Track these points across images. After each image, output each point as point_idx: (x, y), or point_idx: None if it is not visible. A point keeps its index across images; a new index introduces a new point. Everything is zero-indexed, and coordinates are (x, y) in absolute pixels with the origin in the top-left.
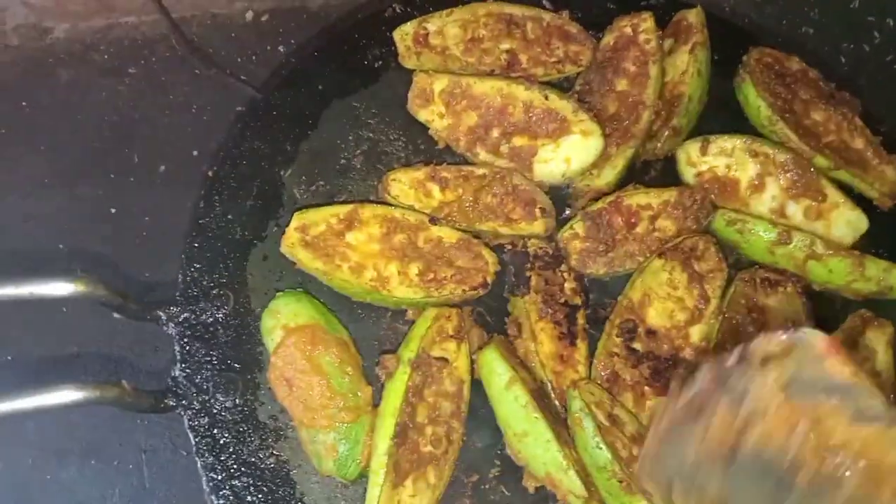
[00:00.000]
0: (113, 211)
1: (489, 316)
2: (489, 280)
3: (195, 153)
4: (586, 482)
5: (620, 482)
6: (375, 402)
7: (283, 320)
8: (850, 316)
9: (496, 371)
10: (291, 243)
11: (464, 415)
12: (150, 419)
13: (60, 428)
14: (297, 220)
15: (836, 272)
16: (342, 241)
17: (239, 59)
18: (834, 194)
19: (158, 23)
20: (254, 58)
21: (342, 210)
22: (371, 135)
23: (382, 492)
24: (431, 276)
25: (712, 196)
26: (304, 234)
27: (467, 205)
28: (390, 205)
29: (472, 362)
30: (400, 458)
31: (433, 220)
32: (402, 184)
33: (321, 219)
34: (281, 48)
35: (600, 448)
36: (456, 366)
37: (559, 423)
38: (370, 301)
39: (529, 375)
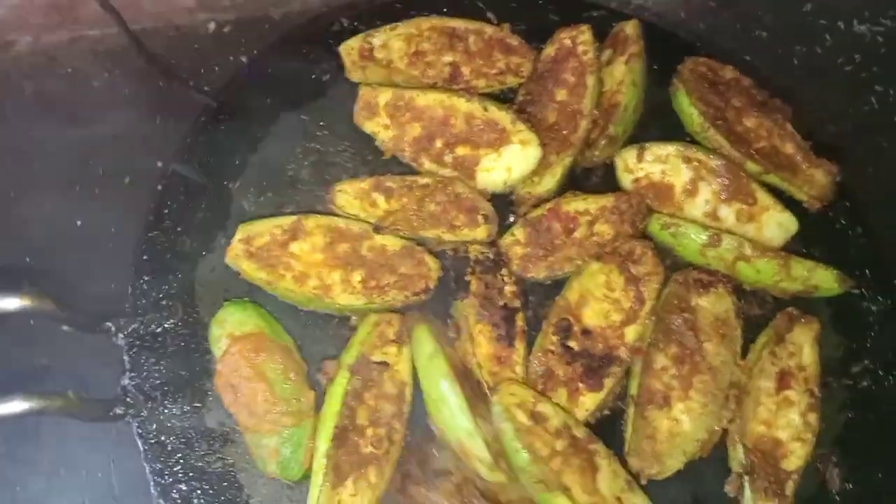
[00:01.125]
0: (79, 223)
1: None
2: (431, 286)
3: (159, 164)
4: (493, 450)
5: (538, 483)
6: (319, 407)
7: (229, 329)
8: (778, 314)
9: (422, 343)
10: (236, 255)
11: (406, 416)
12: (117, 427)
13: (28, 438)
14: (241, 233)
15: (763, 273)
16: (286, 252)
17: (202, 70)
18: (764, 198)
19: (122, 35)
20: (216, 69)
21: (286, 221)
22: (319, 146)
23: (322, 492)
24: (374, 283)
25: (648, 201)
26: (248, 246)
27: (411, 213)
28: (335, 215)
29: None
30: (340, 459)
31: (377, 229)
32: (348, 194)
33: (265, 230)
34: (244, 59)
35: (517, 452)
36: (397, 369)
37: (480, 398)
38: (315, 308)
39: (466, 371)
